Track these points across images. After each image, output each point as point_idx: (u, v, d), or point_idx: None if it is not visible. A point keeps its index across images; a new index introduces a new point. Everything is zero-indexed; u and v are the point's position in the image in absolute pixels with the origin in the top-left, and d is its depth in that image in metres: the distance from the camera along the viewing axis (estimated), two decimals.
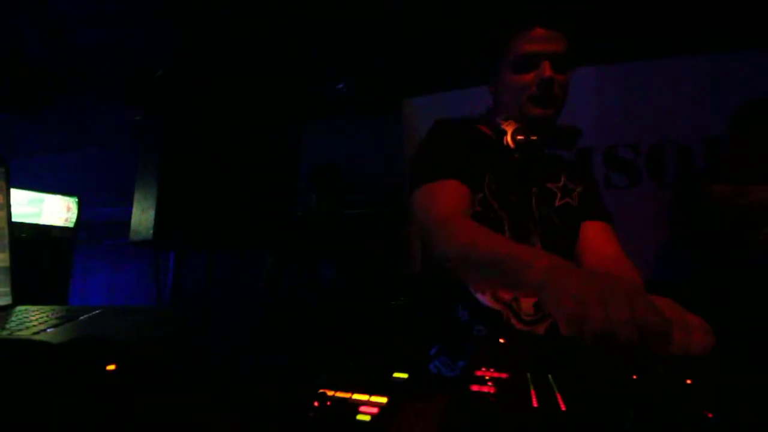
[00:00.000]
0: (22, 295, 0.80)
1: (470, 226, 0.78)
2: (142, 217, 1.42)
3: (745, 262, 1.33)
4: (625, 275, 0.83)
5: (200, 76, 1.58)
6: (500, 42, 0.94)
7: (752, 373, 0.42)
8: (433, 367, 0.92)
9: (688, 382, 0.39)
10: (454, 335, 0.91)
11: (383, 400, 0.41)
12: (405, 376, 0.48)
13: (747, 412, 0.32)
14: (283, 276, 1.97)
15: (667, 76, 1.83)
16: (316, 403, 0.39)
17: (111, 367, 0.41)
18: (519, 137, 0.92)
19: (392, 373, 0.48)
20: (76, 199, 2.14)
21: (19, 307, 0.74)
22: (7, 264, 0.80)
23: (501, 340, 0.57)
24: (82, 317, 0.63)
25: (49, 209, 2.04)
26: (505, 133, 0.93)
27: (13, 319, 0.62)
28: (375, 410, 0.39)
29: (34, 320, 0.60)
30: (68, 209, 2.11)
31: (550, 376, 0.41)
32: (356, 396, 0.41)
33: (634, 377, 0.40)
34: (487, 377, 0.41)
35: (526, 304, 0.87)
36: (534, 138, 0.91)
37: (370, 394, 0.41)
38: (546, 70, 0.89)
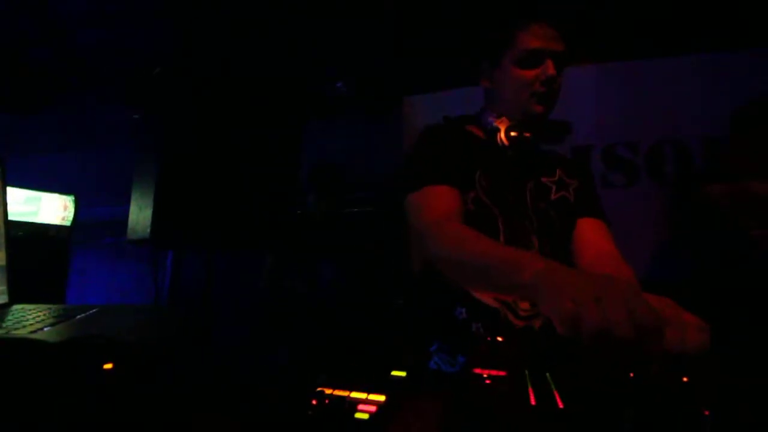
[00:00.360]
0: (19, 293, 0.80)
1: (461, 230, 0.79)
2: (139, 215, 1.42)
3: (742, 262, 1.33)
4: (620, 274, 0.84)
5: (199, 75, 1.57)
6: (506, 34, 0.94)
7: (749, 372, 0.42)
8: (432, 363, 0.93)
9: (685, 380, 0.39)
10: (453, 334, 0.91)
11: (381, 398, 0.41)
12: (403, 374, 0.48)
13: (743, 411, 0.33)
14: (283, 276, 1.97)
15: (668, 75, 1.83)
16: (314, 402, 0.39)
17: (108, 366, 0.41)
18: (513, 133, 0.93)
19: (390, 372, 0.48)
20: (73, 198, 2.13)
21: (15, 306, 0.73)
22: (4, 263, 0.79)
23: (499, 339, 0.57)
24: (79, 316, 0.63)
25: (46, 208, 2.03)
26: (497, 130, 0.94)
27: (10, 317, 0.61)
28: (373, 408, 0.39)
29: (30, 319, 0.59)
30: (65, 208, 2.10)
31: (547, 374, 0.41)
32: (354, 394, 0.41)
33: (631, 375, 0.40)
34: (485, 375, 0.41)
35: (524, 303, 0.87)
36: (528, 134, 0.92)
37: (369, 392, 0.41)
38: (550, 67, 0.90)
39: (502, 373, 0.42)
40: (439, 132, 1.01)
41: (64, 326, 0.56)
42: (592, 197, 1.02)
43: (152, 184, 1.39)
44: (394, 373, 0.48)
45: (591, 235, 0.97)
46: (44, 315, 0.63)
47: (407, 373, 0.48)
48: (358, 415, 0.38)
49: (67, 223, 2.10)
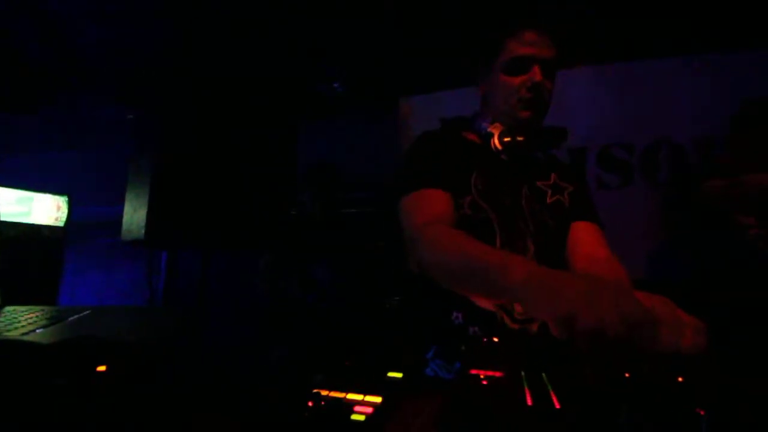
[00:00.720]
0: (11, 295, 0.79)
1: (449, 233, 0.79)
2: (134, 216, 1.41)
3: (739, 261, 1.34)
4: (614, 276, 0.84)
5: (195, 76, 1.57)
6: (495, 41, 0.95)
7: (744, 372, 0.42)
8: (429, 370, 0.92)
9: (680, 380, 0.39)
10: (450, 338, 0.91)
11: (378, 399, 0.41)
12: (399, 375, 0.48)
13: (739, 411, 0.33)
14: (279, 276, 1.96)
15: (662, 77, 1.84)
16: (310, 403, 0.39)
17: (101, 368, 0.41)
18: (506, 139, 0.94)
19: (387, 373, 0.48)
20: (66, 198, 2.11)
21: (7, 308, 0.72)
22: None
23: (495, 339, 0.57)
24: (72, 318, 0.62)
25: (38, 208, 2.01)
26: (491, 135, 0.95)
27: (2, 319, 0.61)
28: (369, 410, 0.39)
29: (23, 321, 0.59)
30: (58, 208, 2.08)
31: (544, 374, 0.41)
32: (351, 396, 0.41)
33: (627, 375, 0.40)
34: (481, 376, 0.41)
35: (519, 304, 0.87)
36: (521, 139, 0.92)
37: (365, 393, 0.41)
38: (537, 74, 0.91)
39: (498, 374, 0.42)
40: (434, 137, 1.02)
41: (57, 328, 0.56)
42: (586, 201, 1.03)
43: (147, 184, 1.38)
44: (391, 374, 0.48)
45: (585, 238, 0.97)
46: (37, 317, 0.62)
47: (404, 374, 0.48)
48: (354, 417, 0.38)
49: (60, 223, 2.08)
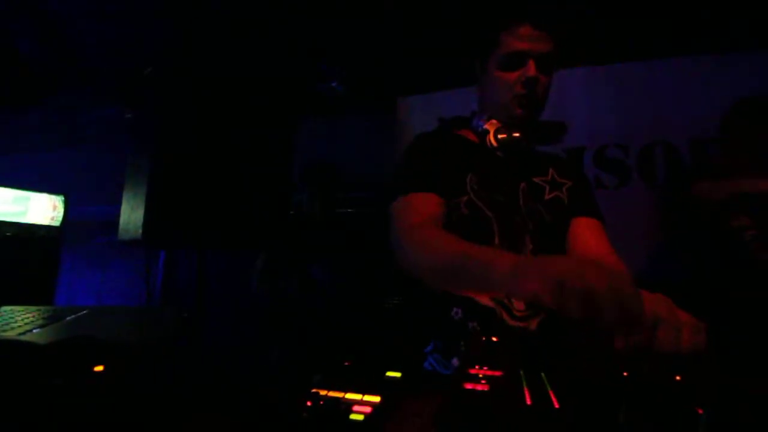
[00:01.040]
0: (7, 295, 0.79)
1: (432, 234, 0.80)
2: (131, 215, 1.40)
3: (735, 262, 1.35)
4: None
5: (192, 75, 1.56)
6: (490, 37, 0.95)
7: (744, 371, 0.42)
8: (428, 364, 0.93)
9: (678, 378, 0.39)
10: (448, 333, 0.91)
11: (376, 399, 0.40)
12: (398, 375, 0.48)
13: (737, 410, 0.33)
14: (277, 276, 1.96)
15: (658, 78, 1.85)
16: (309, 403, 0.39)
17: (99, 368, 0.40)
18: (501, 135, 0.94)
19: (385, 372, 0.48)
20: (63, 198, 2.10)
21: (4, 308, 0.72)
22: None
23: (494, 339, 0.57)
24: (68, 318, 0.62)
25: (35, 208, 2.00)
26: (487, 132, 0.95)
27: None
28: (368, 410, 0.39)
29: (19, 321, 0.58)
30: (54, 208, 2.07)
31: (543, 373, 0.41)
32: (349, 395, 0.41)
33: (625, 374, 0.40)
34: (480, 375, 0.41)
35: (518, 302, 0.87)
36: (517, 135, 0.92)
37: (364, 393, 0.41)
38: (531, 69, 0.90)
39: (497, 373, 0.42)
40: (429, 138, 1.02)
41: (54, 328, 0.55)
42: (586, 196, 1.02)
43: (144, 184, 1.38)
44: (390, 373, 0.48)
45: (586, 233, 0.97)
46: (33, 317, 0.61)
47: (402, 374, 0.48)
48: (353, 417, 0.38)
49: (57, 223, 2.07)
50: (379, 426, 0.38)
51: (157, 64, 1.50)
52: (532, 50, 0.90)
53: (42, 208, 2.03)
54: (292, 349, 1.82)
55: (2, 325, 0.56)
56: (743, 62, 1.72)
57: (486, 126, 0.96)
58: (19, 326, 0.55)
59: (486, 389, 0.39)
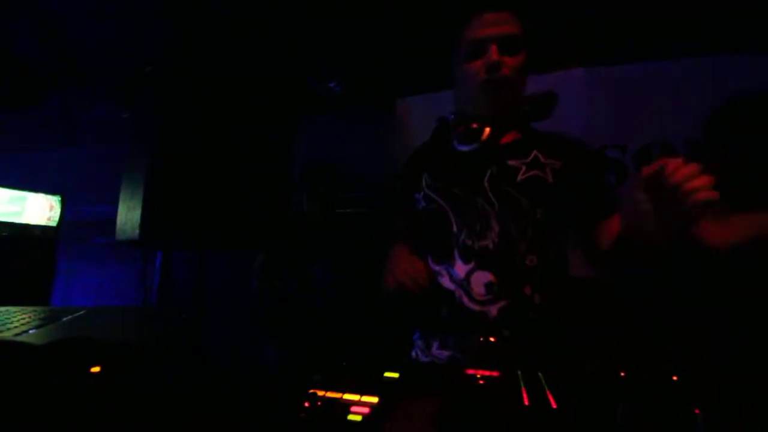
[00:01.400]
0: (3, 295, 0.78)
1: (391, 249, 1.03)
2: (128, 216, 1.39)
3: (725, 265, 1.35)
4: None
5: (191, 75, 1.56)
6: (455, 36, 0.96)
7: (741, 371, 0.42)
8: (413, 352, 0.94)
9: (675, 378, 0.39)
10: (426, 320, 0.94)
11: (374, 399, 0.40)
12: (396, 375, 0.48)
13: (734, 409, 0.33)
14: (276, 276, 1.95)
15: (655, 79, 1.86)
16: (307, 404, 0.39)
17: (96, 369, 0.40)
18: (459, 129, 0.95)
19: (383, 373, 0.48)
20: (59, 198, 2.09)
21: None
22: None
23: (492, 339, 0.57)
24: (65, 318, 0.62)
25: (31, 208, 1.99)
26: (451, 128, 0.99)
27: None
28: (366, 410, 0.39)
29: (15, 321, 0.58)
30: (51, 208, 2.06)
31: (540, 374, 0.41)
32: (347, 396, 0.41)
33: (622, 375, 0.41)
34: (478, 376, 0.41)
35: (477, 285, 0.89)
36: (475, 126, 0.92)
37: (362, 394, 0.41)
38: (493, 53, 0.88)
39: (495, 374, 0.42)
40: (408, 161, 1.12)
41: (51, 329, 0.55)
42: (586, 182, 0.95)
43: (141, 183, 1.37)
44: (387, 374, 0.48)
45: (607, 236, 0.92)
46: (29, 317, 0.61)
47: (400, 374, 0.48)
48: (351, 417, 0.38)
49: (53, 223, 2.06)
50: (378, 426, 0.38)
51: (156, 63, 1.50)
52: (492, 34, 0.88)
53: (39, 208, 2.02)
54: (291, 349, 1.82)
55: None
56: (741, 64, 1.73)
57: (451, 122, 0.99)
58: (15, 327, 0.54)
59: (484, 389, 0.39)
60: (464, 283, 0.90)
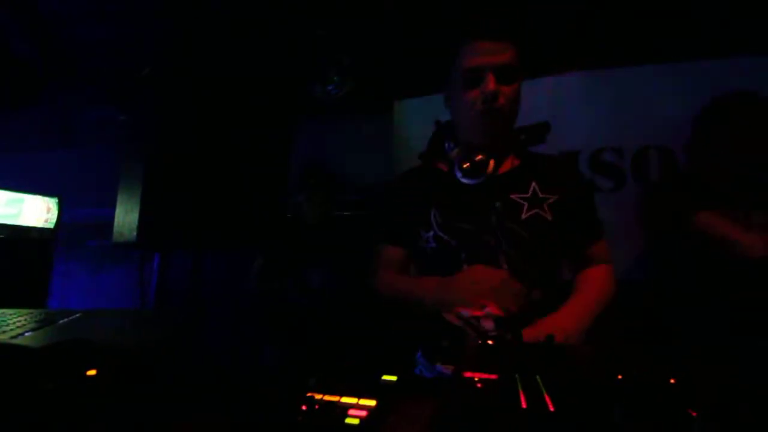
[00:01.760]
0: None
1: (394, 281, 1.07)
2: (125, 218, 1.39)
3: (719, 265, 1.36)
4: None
5: (189, 75, 1.55)
6: (451, 55, 0.96)
7: (739, 373, 0.42)
8: (418, 369, 0.94)
9: (672, 381, 0.39)
10: (431, 339, 0.93)
11: (372, 403, 0.40)
12: (394, 378, 0.48)
13: (732, 412, 0.33)
14: (274, 278, 1.95)
15: (651, 82, 1.86)
16: (304, 407, 0.39)
17: (92, 372, 0.40)
18: (465, 165, 0.95)
19: (381, 376, 0.48)
20: (57, 200, 2.08)
21: None
22: None
23: (489, 342, 0.57)
24: (61, 321, 0.62)
25: (28, 210, 1.98)
26: (453, 162, 0.98)
27: None
28: (364, 413, 0.39)
29: (11, 324, 0.58)
30: (48, 210, 2.05)
31: (538, 377, 0.41)
32: (345, 399, 0.41)
33: (620, 377, 0.41)
34: (476, 379, 0.41)
35: (486, 321, 0.87)
36: (480, 158, 0.93)
37: (359, 397, 0.41)
38: (490, 83, 0.89)
39: (492, 377, 0.42)
40: (403, 183, 1.13)
41: (47, 331, 0.55)
42: (580, 215, 1.00)
43: (139, 186, 1.37)
44: (385, 377, 0.48)
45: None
46: (26, 320, 0.61)
47: (398, 378, 0.48)
48: (348, 421, 0.38)
49: (50, 225, 2.05)
50: (375, 429, 0.38)
51: (154, 64, 1.49)
52: (490, 63, 0.89)
53: (35, 210, 2.01)
54: (289, 350, 1.81)
55: None
56: (739, 66, 1.74)
57: (453, 155, 0.98)
58: (12, 329, 0.54)
59: (481, 393, 0.39)
60: (472, 320, 0.88)
